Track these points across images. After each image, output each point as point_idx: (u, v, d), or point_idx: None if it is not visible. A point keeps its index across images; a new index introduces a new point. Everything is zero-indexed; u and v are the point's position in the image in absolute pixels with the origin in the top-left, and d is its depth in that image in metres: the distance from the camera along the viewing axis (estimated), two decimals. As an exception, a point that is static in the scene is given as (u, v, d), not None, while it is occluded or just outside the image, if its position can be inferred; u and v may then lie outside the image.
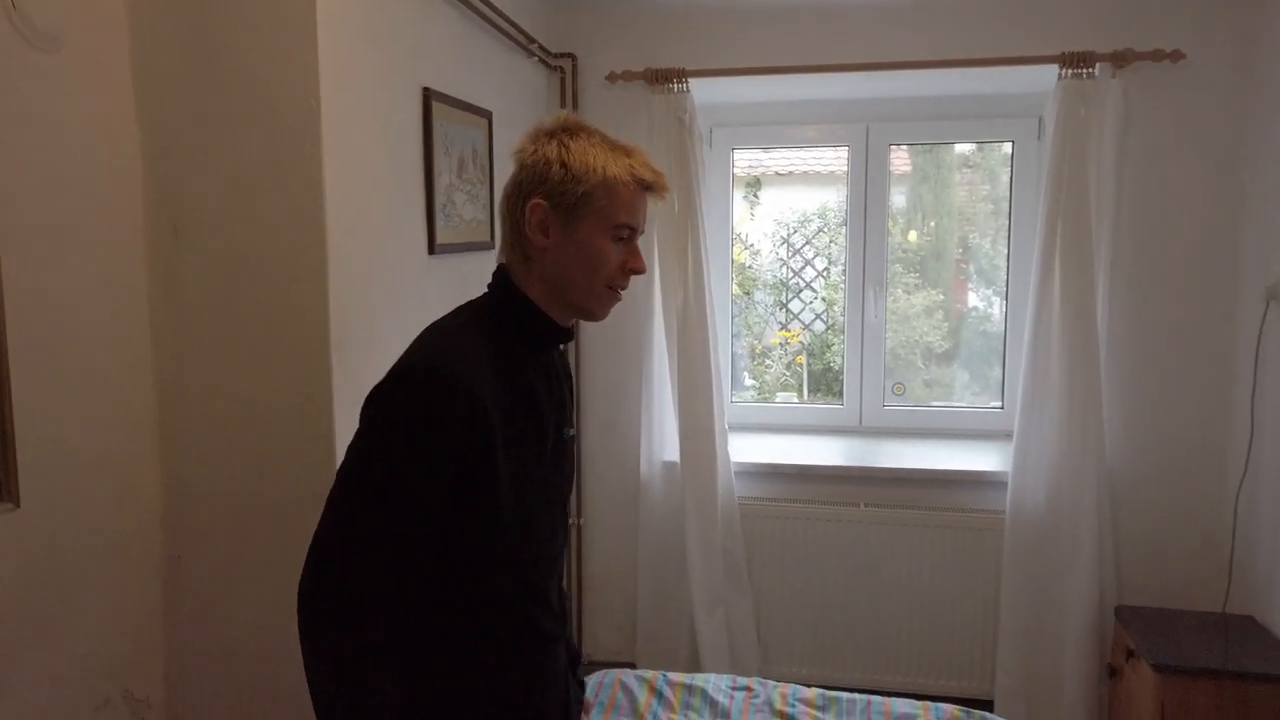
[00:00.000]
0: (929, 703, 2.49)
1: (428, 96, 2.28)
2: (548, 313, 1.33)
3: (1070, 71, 2.96)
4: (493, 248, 2.75)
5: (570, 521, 3.47)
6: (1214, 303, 3.02)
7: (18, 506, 1.42)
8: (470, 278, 2.62)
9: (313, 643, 1.17)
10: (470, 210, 2.58)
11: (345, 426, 1.85)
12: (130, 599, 1.79)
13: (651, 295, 3.26)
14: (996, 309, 3.63)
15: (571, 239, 1.29)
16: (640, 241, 3.51)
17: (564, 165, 1.27)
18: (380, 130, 2.06)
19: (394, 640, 1.20)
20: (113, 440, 1.74)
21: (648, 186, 1.32)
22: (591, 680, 2.60)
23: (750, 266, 3.85)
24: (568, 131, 1.30)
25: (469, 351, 1.22)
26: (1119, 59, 2.95)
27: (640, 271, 1.34)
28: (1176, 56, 2.95)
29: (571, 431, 1.45)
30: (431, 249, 2.32)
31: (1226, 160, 2.97)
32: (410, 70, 2.22)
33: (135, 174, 1.78)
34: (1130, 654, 2.73)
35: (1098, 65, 2.95)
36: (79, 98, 1.65)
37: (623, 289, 1.35)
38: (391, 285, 2.12)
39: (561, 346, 1.42)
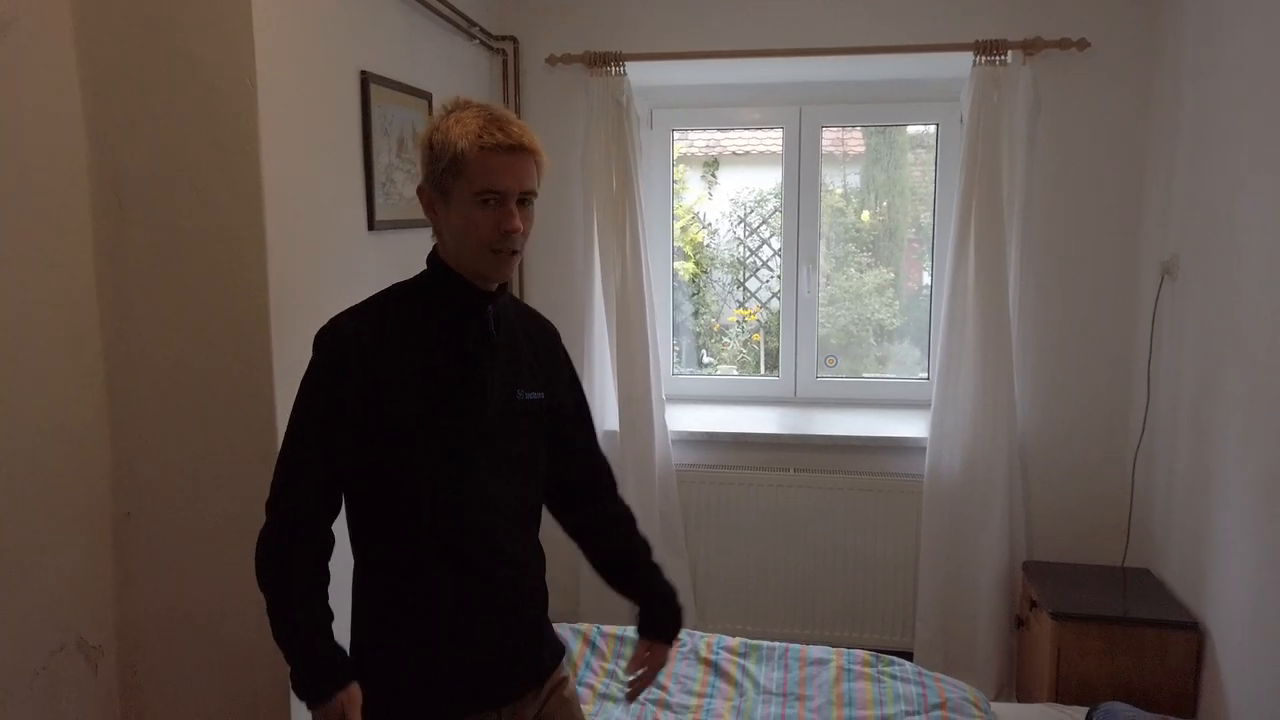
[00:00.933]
0: (842, 649, 2.68)
1: (365, 79, 2.39)
2: (468, 278, 1.46)
3: (984, 59, 3.12)
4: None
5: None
6: (1115, 277, 3.22)
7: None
8: (409, 253, 2.71)
9: (262, 530, 1.47)
10: (410, 189, 2.69)
11: (285, 390, 1.97)
12: (81, 553, 1.90)
13: (591, 272, 3.39)
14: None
15: (449, 212, 1.44)
16: (579, 219, 3.64)
17: (430, 146, 1.42)
18: (318, 111, 2.17)
19: (322, 540, 1.47)
20: (62, 403, 1.84)
21: (501, 149, 1.38)
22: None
23: (708, 245, 3.99)
24: (449, 113, 1.43)
25: (368, 314, 1.46)
26: (1029, 47, 3.13)
27: (513, 231, 1.40)
28: (1082, 45, 3.13)
29: (530, 394, 1.54)
30: (371, 225, 2.43)
31: (1127, 143, 3.17)
32: (348, 53, 2.33)
33: (80, 150, 1.88)
34: (1034, 605, 2.93)
35: (1009, 53, 3.13)
36: (24, 78, 1.74)
37: (510, 250, 1.42)
38: (331, 259, 2.23)
39: (490, 309, 1.50)
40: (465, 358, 1.46)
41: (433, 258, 1.51)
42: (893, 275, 3.85)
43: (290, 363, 1.99)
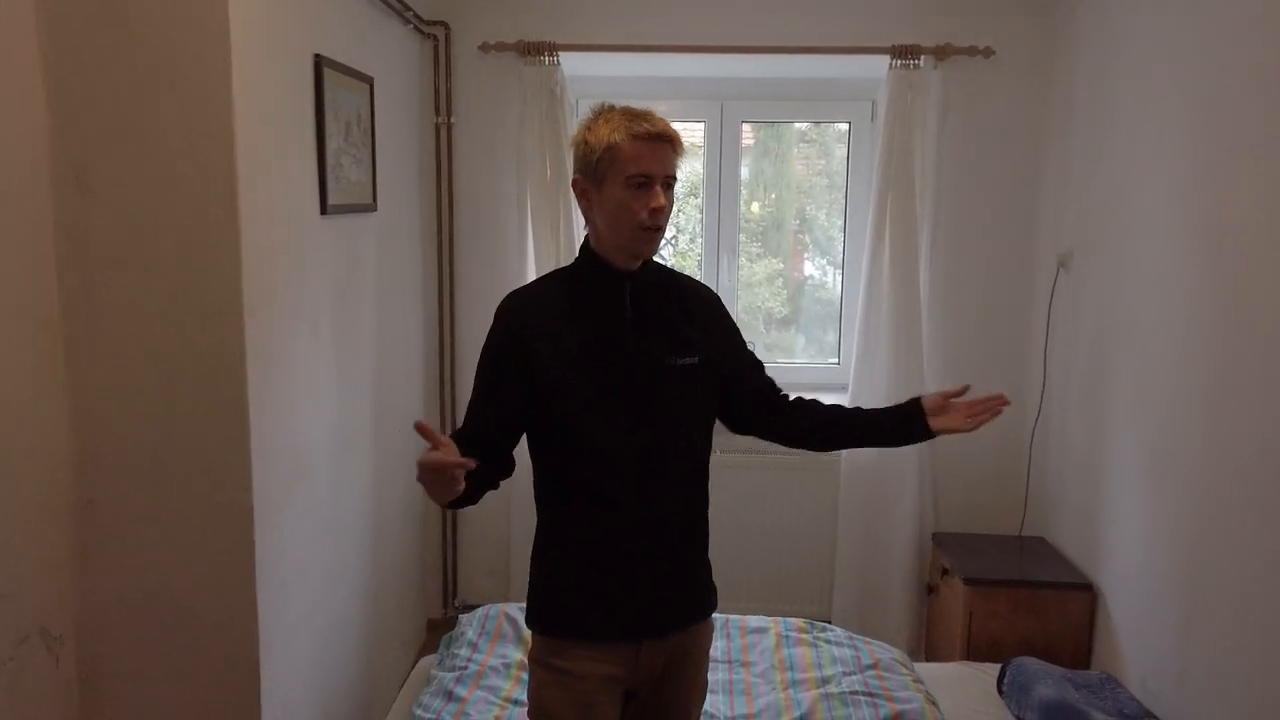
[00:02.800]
0: (779, 618, 2.84)
1: (319, 63, 2.38)
2: (611, 260, 1.66)
3: (899, 62, 3.33)
4: (375, 209, 2.87)
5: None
6: (1016, 269, 3.49)
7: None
8: (358, 237, 2.74)
9: None
10: (356, 173, 2.69)
11: (256, 372, 1.97)
12: (43, 542, 1.85)
13: (525, 257, 3.44)
14: (830, 277, 4.01)
15: (603, 198, 1.62)
16: (514, 208, 3.71)
17: (585, 143, 1.63)
18: (278, 94, 2.15)
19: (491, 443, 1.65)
20: (21, 388, 1.79)
21: (648, 138, 1.58)
22: (478, 613, 2.81)
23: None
24: (597, 115, 1.64)
25: (529, 290, 1.75)
26: (940, 52, 3.35)
27: (659, 208, 1.59)
28: (988, 52, 3.37)
29: (684, 359, 1.68)
30: (324, 209, 2.42)
31: (1027, 144, 3.43)
32: (303, 35, 2.31)
33: (40, 130, 1.82)
34: (945, 572, 3.17)
35: (922, 57, 3.34)
36: (-14, 54, 1.69)
37: (655, 227, 1.61)
38: (290, 243, 2.22)
39: (628, 286, 1.67)
40: (607, 328, 1.65)
41: (584, 245, 1.72)
42: (781, 265, 4.03)
43: (260, 347, 1.99)
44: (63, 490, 1.90)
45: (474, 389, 1.71)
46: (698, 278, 3.95)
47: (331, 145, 2.47)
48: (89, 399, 1.91)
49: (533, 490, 1.75)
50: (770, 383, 1.89)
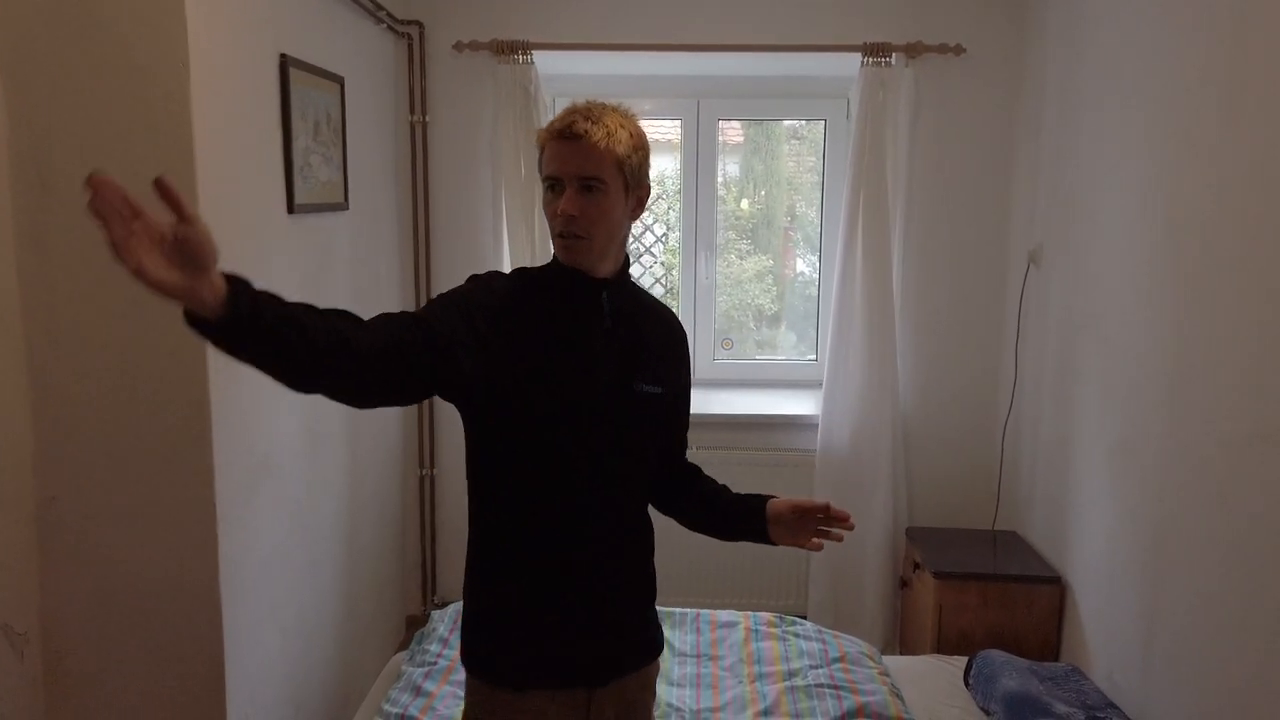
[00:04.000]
0: (749, 612, 2.86)
1: (284, 62, 2.39)
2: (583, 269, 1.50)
3: (871, 60, 3.34)
4: (347, 209, 2.88)
5: (423, 473, 3.65)
6: (987, 265, 3.51)
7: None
8: (327, 236, 2.75)
9: None
10: (325, 172, 2.70)
11: (218, 370, 1.98)
12: (5, 539, 1.86)
13: (501, 255, 3.46)
14: (820, 274, 4.02)
15: None
16: (489, 206, 3.63)
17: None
18: (241, 93, 2.17)
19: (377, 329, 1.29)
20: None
21: (559, 136, 1.44)
22: (450, 609, 2.82)
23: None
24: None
25: (510, 278, 1.54)
26: (911, 50, 3.36)
27: (564, 215, 1.43)
28: (959, 50, 3.39)
29: (649, 388, 1.54)
30: (291, 209, 2.43)
31: (998, 142, 3.45)
32: (268, 35, 2.32)
33: None
34: (917, 566, 3.19)
35: (894, 55, 3.36)
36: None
37: (569, 234, 1.44)
38: (255, 242, 2.24)
39: (605, 296, 1.51)
40: (583, 338, 1.50)
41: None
42: (771, 262, 4.05)
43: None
44: (25, 487, 1.92)
45: (432, 304, 1.44)
46: (659, 277, 4.05)
47: (299, 144, 2.48)
48: (50, 397, 1.93)
49: (467, 510, 1.56)
50: (685, 441, 1.75)
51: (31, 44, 1.84)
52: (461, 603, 1.61)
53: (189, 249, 1.03)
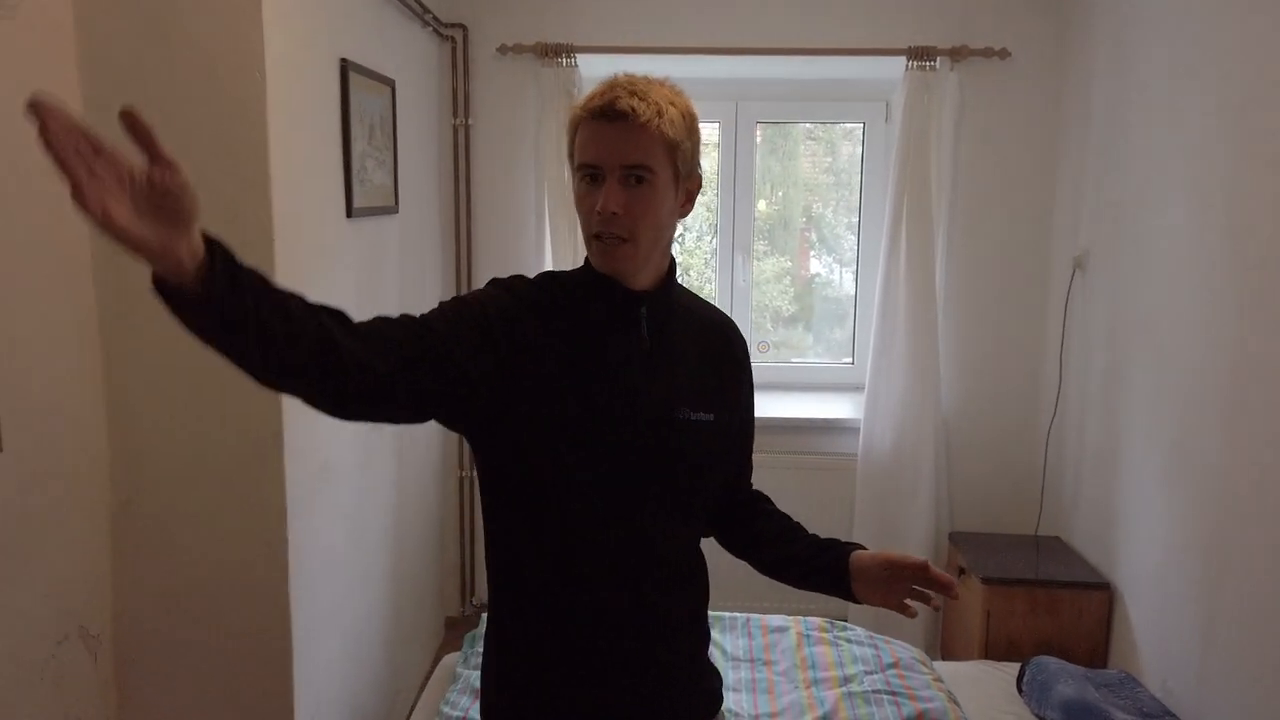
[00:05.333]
0: (799, 616, 2.86)
1: (345, 67, 2.40)
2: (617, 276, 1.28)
3: (915, 63, 3.34)
4: (397, 211, 2.89)
5: (462, 474, 3.66)
6: (1030, 269, 3.50)
7: (1, 450, 1.51)
8: (380, 239, 2.76)
9: None
10: (379, 176, 2.70)
11: (289, 377, 1.98)
12: (80, 542, 1.87)
13: (543, 257, 3.47)
14: (838, 275, 4.02)
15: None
16: (531, 209, 3.55)
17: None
18: (306, 98, 2.17)
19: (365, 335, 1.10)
20: (60, 391, 1.81)
21: (599, 114, 1.21)
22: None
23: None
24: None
25: (536, 284, 1.32)
26: (956, 54, 3.36)
27: (604, 212, 1.20)
28: (1004, 54, 3.38)
29: (697, 416, 1.31)
30: (349, 212, 2.44)
31: (1043, 146, 3.44)
32: (329, 40, 2.33)
33: (78, 136, 1.84)
34: (961, 571, 3.19)
35: (938, 59, 3.35)
36: (23, 61, 1.70)
37: (605, 236, 1.23)
38: (317, 245, 2.24)
39: (644, 311, 1.30)
40: (617, 358, 1.28)
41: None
42: (789, 263, 4.05)
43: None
44: (101, 492, 1.93)
45: (440, 309, 1.24)
46: (710, 280, 4.05)
47: (357, 148, 2.49)
48: (127, 402, 1.94)
49: (486, 560, 1.36)
50: (748, 468, 1.55)
51: (115, 55, 1.85)
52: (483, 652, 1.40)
53: (164, 198, 0.87)
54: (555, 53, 3.37)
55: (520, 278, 1.33)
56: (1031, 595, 2.94)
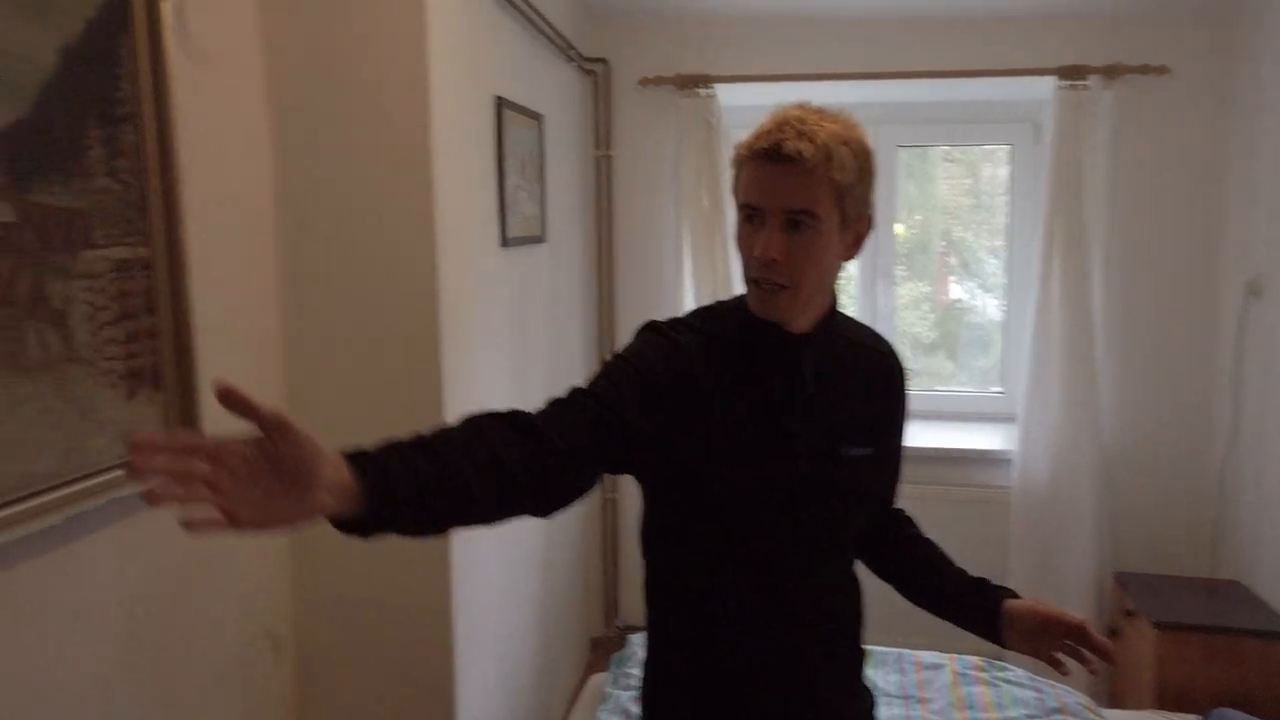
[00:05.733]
0: (954, 654, 2.75)
1: (500, 104, 2.48)
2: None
3: (1067, 83, 3.22)
4: (545, 240, 2.96)
5: (606, 497, 3.69)
6: (1195, 294, 3.30)
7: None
8: (529, 268, 2.83)
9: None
10: (529, 206, 2.78)
11: (450, 393, 2.07)
12: (266, 549, 1.98)
13: (682, 287, 3.48)
14: (980, 300, 3.88)
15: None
16: (671, 238, 3.55)
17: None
18: (465, 135, 2.26)
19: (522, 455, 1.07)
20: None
21: (761, 156, 1.17)
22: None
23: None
24: None
25: (693, 324, 1.30)
26: (1110, 72, 3.22)
27: (764, 259, 1.18)
28: (1162, 70, 3.22)
29: (857, 450, 1.31)
30: (504, 241, 2.52)
31: (1207, 165, 3.26)
32: (486, 79, 2.42)
33: (266, 170, 1.97)
34: (1129, 614, 3.00)
35: (1091, 77, 3.22)
36: (220, 105, 1.83)
37: (764, 282, 1.21)
38: (475, 275, 2.32)
39: (809, 354, 1.28)
40: (777, 400, 1.27)
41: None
42: (928, 289, 3.92)
43: (453, 368, 2.08)
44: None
45: (600, 374, 1.22)
46: (851, 306, 3.93)
47: (510, 180, 2.57)
48: (305, 412, 2.02)
49: (645, 589, 1.39)
50: (896, 493, 1.53)
51: (298, 97, 1.97)
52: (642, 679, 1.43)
53: (286, 463, 0.80)
54: (694, 83, 3.40)
55: (678, 322, 1.31)
56: (1209, 643, 2.74)
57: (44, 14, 1.32)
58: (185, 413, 1.62)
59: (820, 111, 1.22)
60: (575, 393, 1.18)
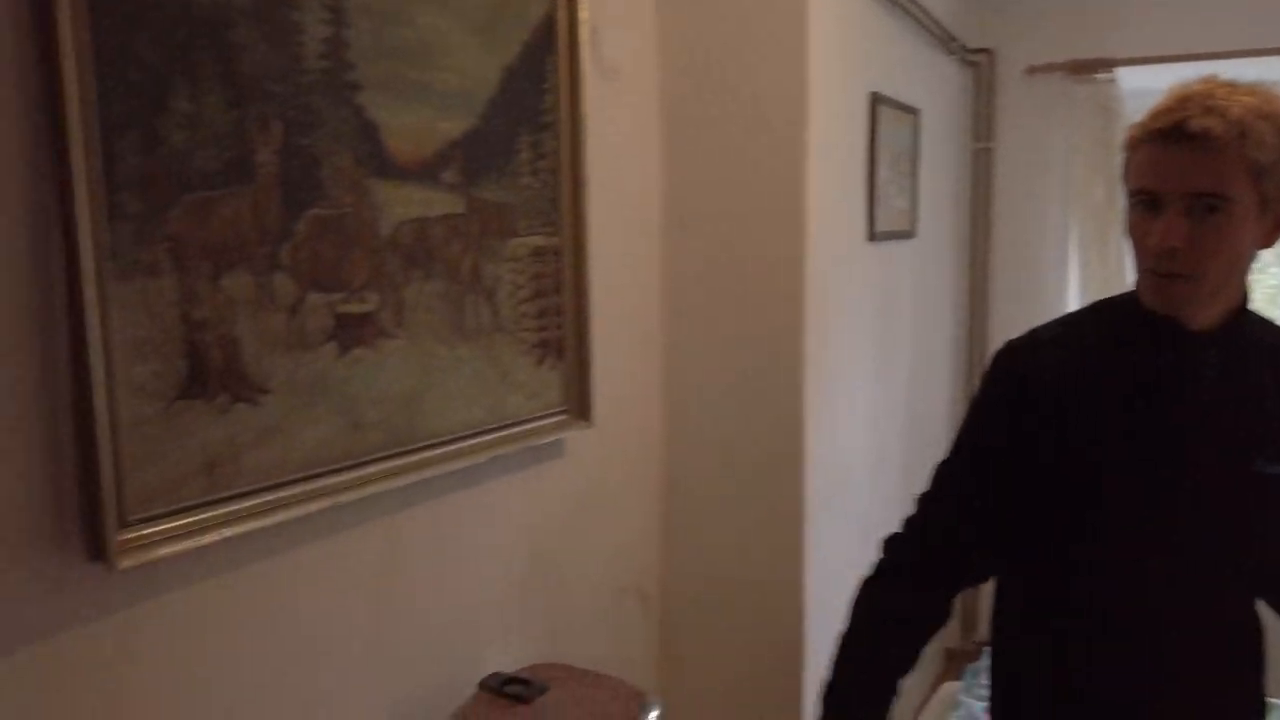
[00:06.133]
0: None
1: (874, 100, 2.53)
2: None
3: None
4: (913, 236, 2.95)
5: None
6: None
7: (591, 425, 1.86)
8: (895, 263, 2.85)
9: (861, 584, 1.38)
10: (899, 201, 2.79)
11: (811, 385, 2.16)
12: (640, 513, 2.21)
13: (1064, 288, 3.29)
14: None
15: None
16: (1053, 234, 3.34)
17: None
18: (839, 132, 2.33)
19: (931, 611, 1.33)
20: (635, 389, 2.16)
21: (1158, 136, 1.08)
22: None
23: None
24: None
25: (1055, 333, 1.28)
26: None
27: (1162, 247, 1.08)
28: None
29: (1274, 468, 1.17)
30: (871, 236, 2.56)
31: None
32: (862, 78, 2.48)
33: (655, 176, 2.19)
34: None
35: None
36: (621, 117, 2.07)
37: (1161, 273, 1.11)
38: (844, 267, 2.39)
39: (1212, 355, 1.17)
40: (1171, 407, 1.17)
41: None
42: None
43: (814, 362, 2.17)
44: (655, 470, 2.25)
45: (944, 477, 1.30)
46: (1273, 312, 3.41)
47: (881, 175, 2.60)
48: (678, 394, 2.24)
49: (994, 610, 1.37)
50: None
51: (688, 106, 2.16)
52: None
53: None
54: (1091, 68, 3.18)
55: (1035, 339, 1.28)
56: None
57: (493, 41, 1.61)
58: (580, 381, 1.86)
59: (1231, 85, 1.10)
60: (941, 513, 1.33)
